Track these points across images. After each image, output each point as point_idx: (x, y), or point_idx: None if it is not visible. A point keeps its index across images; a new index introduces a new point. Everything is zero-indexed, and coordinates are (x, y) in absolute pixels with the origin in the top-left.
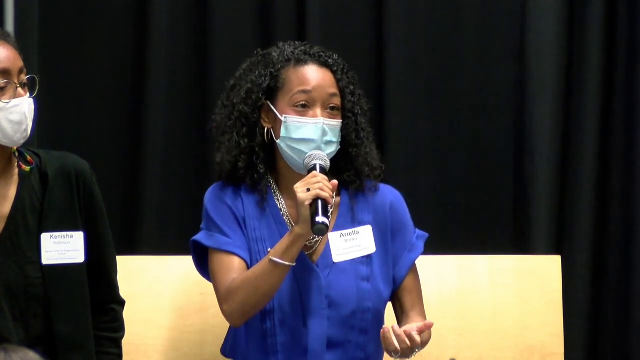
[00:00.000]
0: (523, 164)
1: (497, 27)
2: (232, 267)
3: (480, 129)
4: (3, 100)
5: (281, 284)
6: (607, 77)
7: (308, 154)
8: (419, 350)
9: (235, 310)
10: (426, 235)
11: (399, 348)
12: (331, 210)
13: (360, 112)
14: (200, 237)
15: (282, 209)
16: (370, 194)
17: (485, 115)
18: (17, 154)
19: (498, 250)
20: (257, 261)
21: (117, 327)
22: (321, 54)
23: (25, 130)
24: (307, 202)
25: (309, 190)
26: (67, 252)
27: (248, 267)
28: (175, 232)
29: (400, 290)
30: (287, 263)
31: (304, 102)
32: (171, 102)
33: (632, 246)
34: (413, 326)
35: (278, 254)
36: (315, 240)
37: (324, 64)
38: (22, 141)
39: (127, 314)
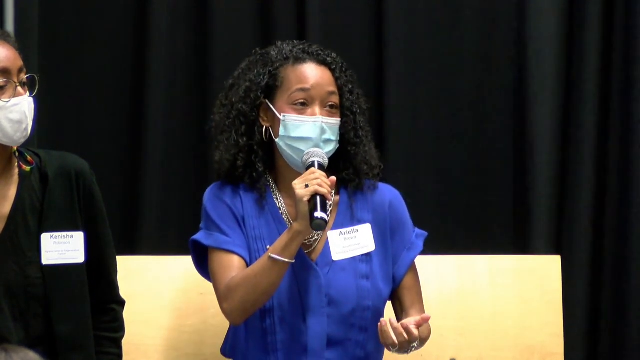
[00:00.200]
0: (523, 164)
1: (497, 27)
2: (232, 265)
3: (480, 129)
4: (3, 99)
5: (281, 281)
6: (607, 77)
7: (306, 152)
8: (419, 347)
9: (235, 308)
10: (425, 233)
11: (396, 341)
12: (330, 207)
13: (359, 111)
14: (199, 236)
15: (281, 208)
16: (369, 192)
17: (485, 116)
18: (17, 153)
19: (498, 250)
20: (257, 260)
21: (117, 327)
22: (319, 52)
23: (25, 129)
24: (306, 198)
25: (307, 186)
26: (67, 252)
27: (247, 266)
28: (175, 232)
29: (399, 289)
30: (286, 260)
31: (302, 101)
32: (171, 102)
33: (631, 246)
34: (411, 320)
35: (277, 251)
36: (314, 239)
37: (322, 62)
38: (22, 140)
39: (127, 314)
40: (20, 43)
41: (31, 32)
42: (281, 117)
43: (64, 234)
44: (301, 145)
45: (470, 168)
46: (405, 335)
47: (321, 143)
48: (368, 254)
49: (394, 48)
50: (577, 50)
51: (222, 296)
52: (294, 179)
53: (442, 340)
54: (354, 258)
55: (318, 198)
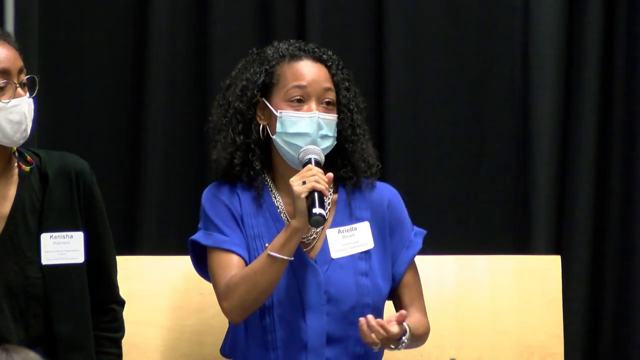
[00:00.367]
0: (523, 164)
1: (497, 27)
2: (231, 264)
3: (481, 129)
4: (3, 100)
5: (280, 278)
6: (607, 77)
7: (303, 149)
8: (411, 343)
9: (235, 306)
10: (424, 232)
11: (376, 340)
12: (328, 205)
13: (355, 108)
14: (198, 236)
15: (279, 206)
16: (368, 191)
17: (486, 116)
18: (17, 154)
19: (498, 250)
20: (256, 258)
21: (117, 327)
22: (315, 49)
23: (25, 130)
24: (303, 195)
25: (304, 183)
26: (67, 252)
27: (246, 265)
28: (175, 232)
29: (399, 287)
30: (285, 257)
31: (299, 97)
32: (171, 102)
33: (631, 246)
34: (391, 317)
35: (276, 249)
36: (313, 237)
37: (318, 59)
38: (21, 141)
39: (127, 314)
40: (20, 43)
41: (31, 32)
42: (278, 114)
43: (64, 234)
44: (298, 141)
45: (470, 168)
46: (383, 332)
47: (318, 139)
48: (367, 252)
49: (394, 48)
50: (578, 50)
51: (222, 295)
52: (291, 177)
53: (442, 340)
54: (352, 256)
55: (316, 194)
